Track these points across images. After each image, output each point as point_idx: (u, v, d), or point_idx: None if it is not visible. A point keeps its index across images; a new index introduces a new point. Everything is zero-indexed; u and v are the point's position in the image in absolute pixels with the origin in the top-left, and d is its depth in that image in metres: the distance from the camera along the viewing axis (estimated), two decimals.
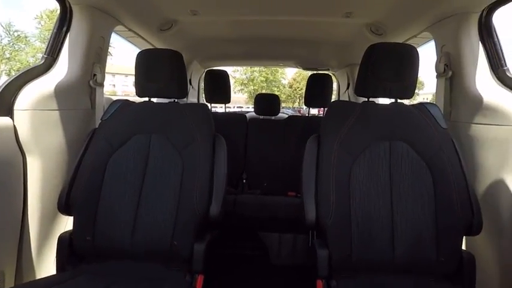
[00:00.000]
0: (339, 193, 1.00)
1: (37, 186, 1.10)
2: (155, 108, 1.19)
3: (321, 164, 1.05)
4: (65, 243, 1.01)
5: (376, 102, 1.20)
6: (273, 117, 2.32)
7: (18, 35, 15.61)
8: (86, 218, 1.01)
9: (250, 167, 2.08)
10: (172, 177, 1.05)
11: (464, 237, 1.00)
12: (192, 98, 2.77)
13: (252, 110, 2.52)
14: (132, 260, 1.01)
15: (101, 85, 1.37)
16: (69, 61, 1.24)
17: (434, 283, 0.96)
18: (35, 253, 1.11)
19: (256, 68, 22.48)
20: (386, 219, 0.98)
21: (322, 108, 2.23)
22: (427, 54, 1.70)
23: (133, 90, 1.24)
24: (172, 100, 1.24)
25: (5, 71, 15.70)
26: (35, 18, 16.48)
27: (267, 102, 2.36)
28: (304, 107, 2.35)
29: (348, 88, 2.62)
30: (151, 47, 1.88)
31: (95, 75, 1.34)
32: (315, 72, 2.30)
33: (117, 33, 1.66)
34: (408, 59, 1.09)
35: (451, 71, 1.27)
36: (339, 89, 2.98)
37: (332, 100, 2.30)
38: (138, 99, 1.25)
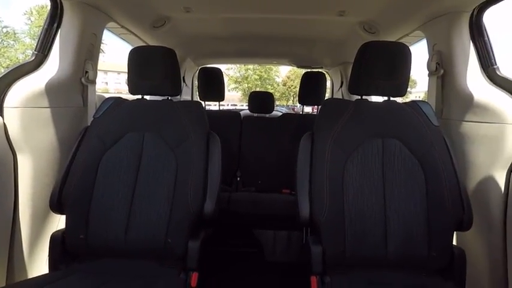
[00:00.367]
0: (333, 190, 1.00)
1: (28, 185, 1.08)
2: (148, 106, 1.18)
3: (315, 161, 1.06)
4: (58, 241, 1.00)
5: (369, 100, 1.21)
6: (267, 115, 2.32)
7: (6, 31, 15.31)
8: (78, 216, 1.00)
9: (245, 164, 2.08)
10: (165, 175, 1.05)
11: (455, 232, 1.02)
12: (185, 96, 2.76)
13: (246, 108, 2.52)
14: (126, 258, 1.01)
15: (93, 82, 1.35)
16: (60, 58, 1.22)
17: (426, 278, 0.98)
18: (26, 252, 1.09)
19: (250, 66, 22.43)
20: (379, 216, 0.99)
21: (316, 106, 2.24)
22: (419, 53, 1.72)
23: (126, 87, 1.23)
24: (165, 98, 1.23)
25: None
26: (25, 14, 16.18)
27: (261, 100, 2.36)
28: (298, 105, 2.35)
29: (341, 86, 2.63)
30: (144, 44, 1.86)
31: (86, 72, 1.32)
32: (308, 70, 2.31)
33: (110, 30, 1.64)
34: (401, 57, 1.10)
35: (443, 70, 1.29)
36: (332, 87, 3.00)
37: (326, 98, 2.31)
38: (131, 97, 1.24)
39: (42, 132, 1.13)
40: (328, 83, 2.85)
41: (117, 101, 1.18)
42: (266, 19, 1.71)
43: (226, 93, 2.47)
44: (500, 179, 1.01)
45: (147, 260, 1.01)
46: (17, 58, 15.51)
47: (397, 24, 1.57)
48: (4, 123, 1.02)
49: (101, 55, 1.51)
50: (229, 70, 22.59)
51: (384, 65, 1.10)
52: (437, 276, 0.99)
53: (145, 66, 1.16)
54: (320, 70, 2.53)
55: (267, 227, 1.76)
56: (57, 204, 1.02)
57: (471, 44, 1.22)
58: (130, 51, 1.18)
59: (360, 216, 0.99)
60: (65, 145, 1.19)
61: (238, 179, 2.08)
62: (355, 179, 1.02)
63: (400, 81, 1.11)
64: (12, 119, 1.03)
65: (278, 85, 24.81)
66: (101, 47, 1.45)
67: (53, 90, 1.15)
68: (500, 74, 1.15)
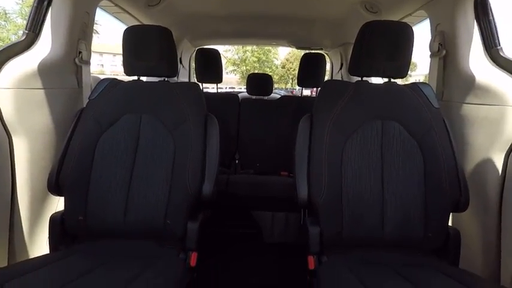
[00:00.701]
0: (331, 172, 1.00)
1: (25, 167, 1.07)
2: (145, 88, 1.15)
3: (314, 143, 1.05)
4: (57, 223, 1.00)
5: (370, 82, 1.19)
6: (266, 98, 2.29)
7: None
8: (77, 198, 1.01)
9: (243, 147, 2.07)
10: (164, 157, 1.04)
11: (451, 213, 1.03)
12: (182, 78, 2.71)
13: (245, 91, 2.49)
14: (125, 239, 1.02)
15: (87, 63, 1.32)
16: (52, 37, 1.18)
17: (422, 257, 1.00)
18: (27, 234, 1.10)
19: (249, 48, 22.01)
20: (377, 197, 1.00)
21: (314, 89, 2.21)
22: (422, 35, 1.68)
23: (122, 70, 1.20)
24: (162, 79, 1.21)
25: None
26: None
27: (259, 82, 2.33)
28: (297, 88, 2.33)
29: (341, 68, 2.59)
30: (138, 24, 1.81)
31: (80, 52, 1.28)
32: (308, 51, 2.27)
33: (103, 9, 1.59)
34: (403, 37, 1.08)
35: (445, 50, 1.26)
36: (332, 69, 2.96)
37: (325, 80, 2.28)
38: (127, 79, 1.21)
39: (36, 114, 1.11)
40: (328, 66, 2.81)
41: (113, 82, 1.16)
42: None
43: (224, 76, 2.44)
44: (498, 162, 1.01)
45: (147, 241, 1.03)
46: (9, 39, 15.11)
47: (400, 3, 1.52)
48: None
49: (95, 36, 1.47)
50: (227, 52, 22.19)
51: (385, 45, 1.07)
52: (433, 256, 1.01)
53: (140, 47, 1.13)
54: (320, 52, 2.48)
55: (265, 208, 1.77)
56: (55, 186, 1.02)
57: (475, 23, 1.19)
58: (125, 30, 1.14)
59: (358, 198, 1.00)
60: (60, 127, 1.17)
61: (237, 161, 2.08)
62: (353, 161, 1.02)
63: (401, 63, 1.09)
64: (6, 100, 1.01)
65: (277, 68, 24.46)
66: (95, 28, 1.40)
67: (46, 70, 1.12)
68: (503, 55, 1.12)
